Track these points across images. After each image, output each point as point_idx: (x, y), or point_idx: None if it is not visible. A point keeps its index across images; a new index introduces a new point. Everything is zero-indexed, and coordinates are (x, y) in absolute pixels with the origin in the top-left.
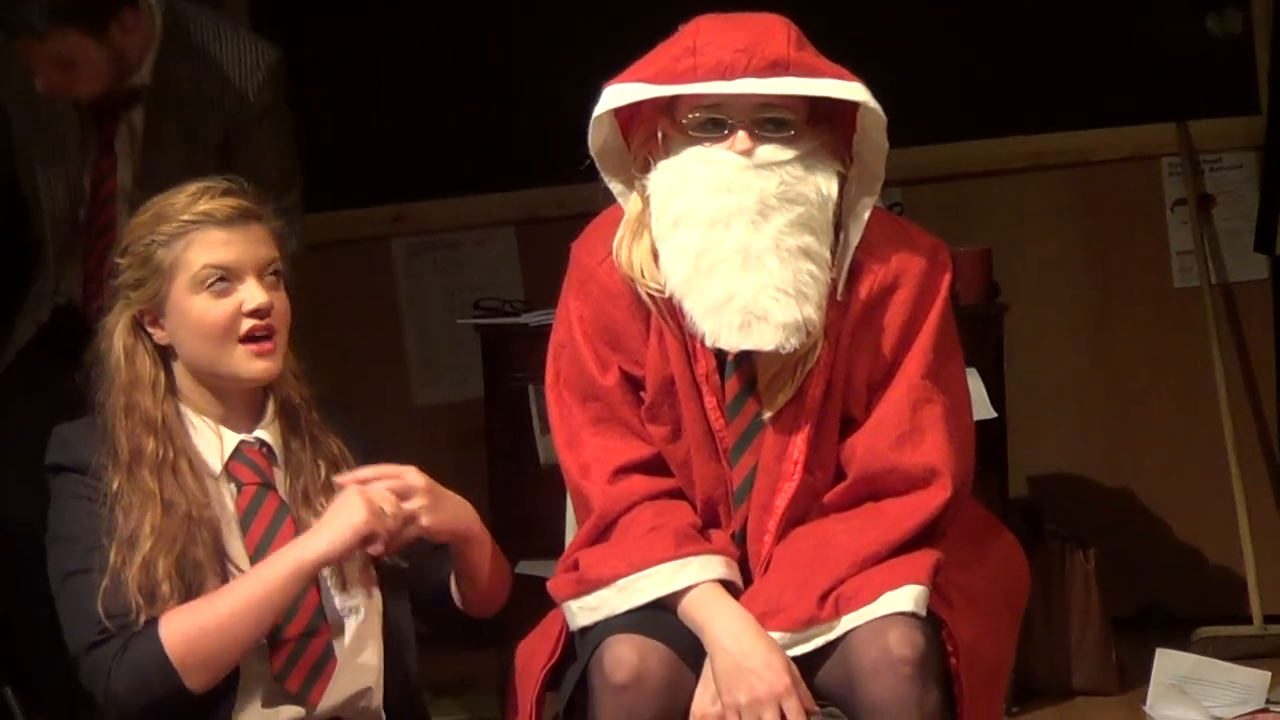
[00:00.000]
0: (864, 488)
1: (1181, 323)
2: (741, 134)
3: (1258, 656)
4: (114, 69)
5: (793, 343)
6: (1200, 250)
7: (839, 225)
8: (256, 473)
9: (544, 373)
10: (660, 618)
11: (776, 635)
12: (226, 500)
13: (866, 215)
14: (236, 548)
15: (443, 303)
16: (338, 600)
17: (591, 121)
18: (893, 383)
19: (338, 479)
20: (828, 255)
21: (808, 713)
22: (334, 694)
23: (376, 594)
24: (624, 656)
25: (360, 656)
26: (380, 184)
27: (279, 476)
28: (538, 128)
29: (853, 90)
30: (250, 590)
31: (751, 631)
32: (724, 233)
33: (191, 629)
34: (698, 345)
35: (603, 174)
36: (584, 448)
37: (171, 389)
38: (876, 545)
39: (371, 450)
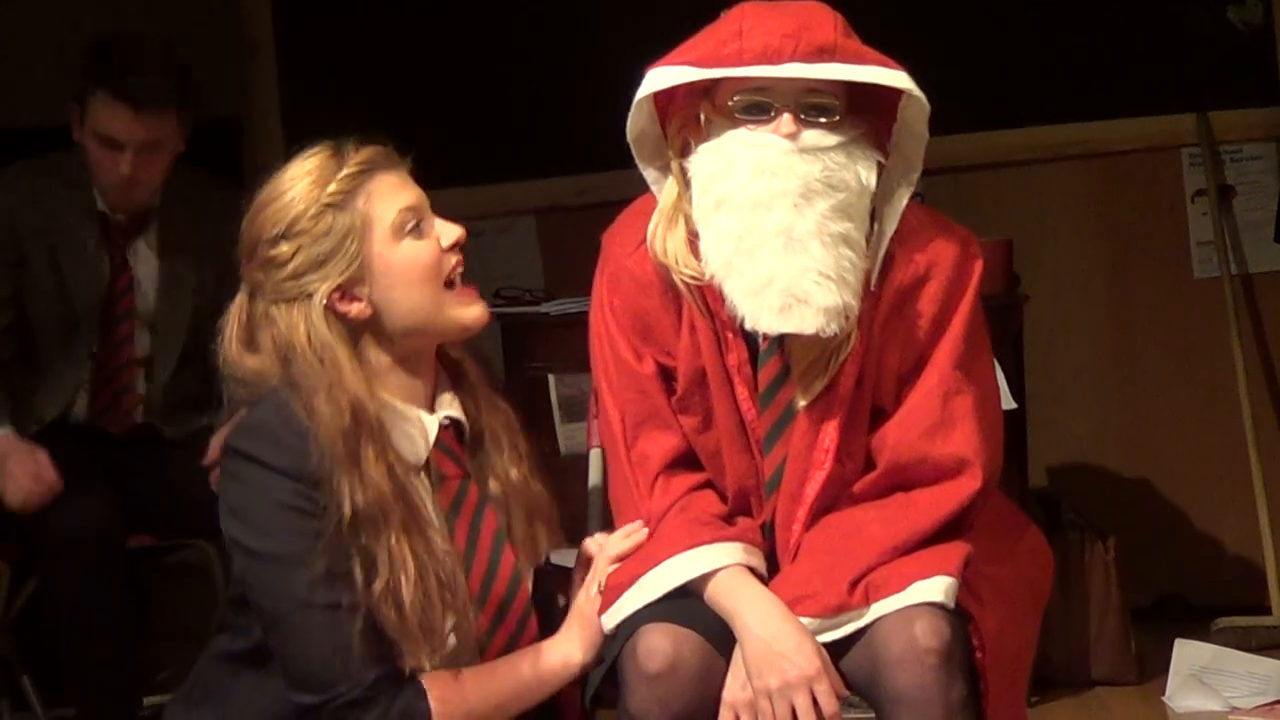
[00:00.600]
0: (894, 478)
1: (1201, 313)
2: (787, 117)
3: (1277, 647)
4: (168, 168)
5: (833, 327)
6: (1220, 241)
7: (874, 215)
8: (455, 462)
9: (563, 361)
10: (692, 606)
11: (807, 621)
12: (422, 493)
13: (902, 205)
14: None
15: None
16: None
17: (633, 105)
18: (923, 373)
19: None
20: (864, 244)
21: (839, 697)
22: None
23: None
24: (657, 646)
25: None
26: None
27: (470, 454)
28: (559, 117)
29: (898, 78)
30: (519, 682)
31: (780, 615)
32: (766, 215)
33: (460, 707)
34: (729, 335)
35: (638, 160)
36: (635, 441)
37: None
38: (906, 534)
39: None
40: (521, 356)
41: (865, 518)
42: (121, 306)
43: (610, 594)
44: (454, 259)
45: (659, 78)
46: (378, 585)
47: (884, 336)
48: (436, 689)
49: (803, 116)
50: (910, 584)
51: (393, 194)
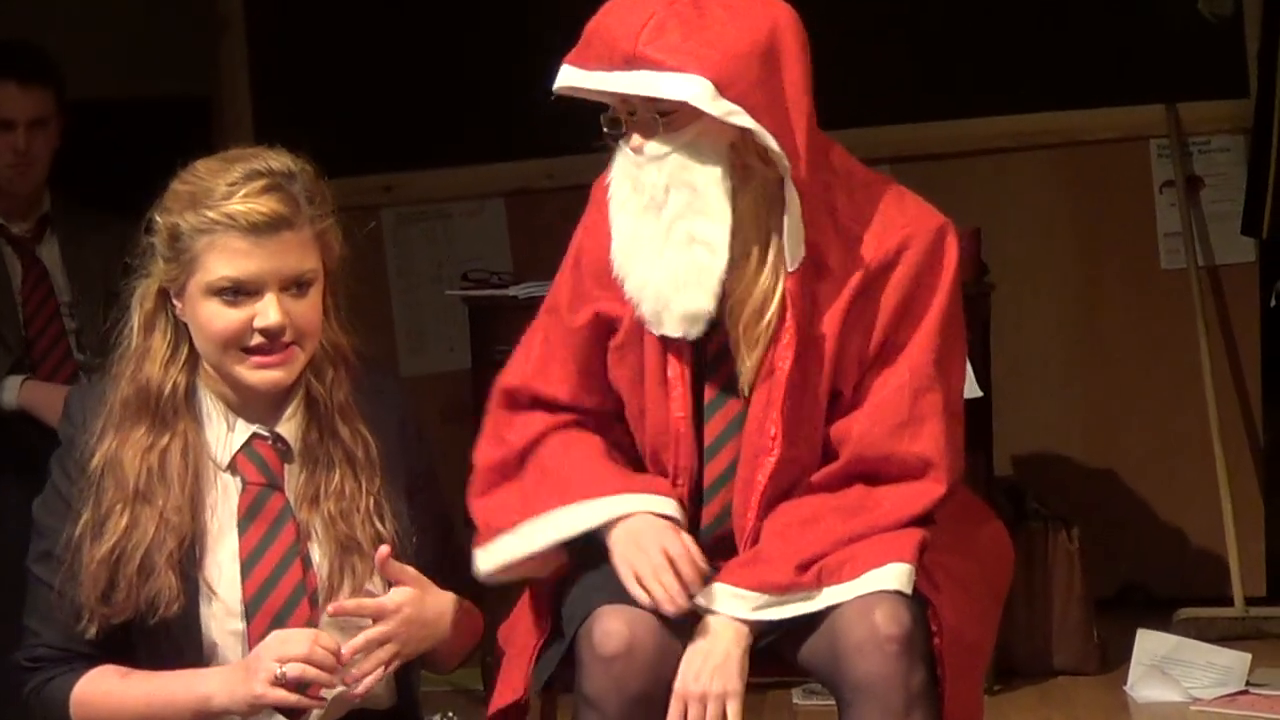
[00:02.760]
0: (856, 469)
1: (1168, 305)
2: (634, 134)
3: (1239, 638)
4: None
5: (695, 330)
6: (1188, 232)
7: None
8: (263, 471)
9: None
10: None
11: (750, 594)
12: (231, 494)
13: (792, 189)
14: (229, 547)
15: (431, 273)
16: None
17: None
18: (894, 365)
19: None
20: (724, 237)
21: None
22: (324, 713)
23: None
24: (613, 628)
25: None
26: (370, 154)
27: (291, 473)
28: (529, 99)
29: (681, 91)
30: (156, 699)
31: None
32: (637, 224)
33: (101, 700)
34: None
35: None
36: (532, 376)
37: (194, 365)
38: (864, 529)
39: (405, 432)
40: (488, 339)
41: (824, 508)
42: (40, 293)
43: (486, 535)
44: (258, 339)
45: (561, 76)
46: (100, 547)
47: (849, 319)
48: (89, 678)
49: (649, 121)
50: (865, 571)
51: (229, 259)
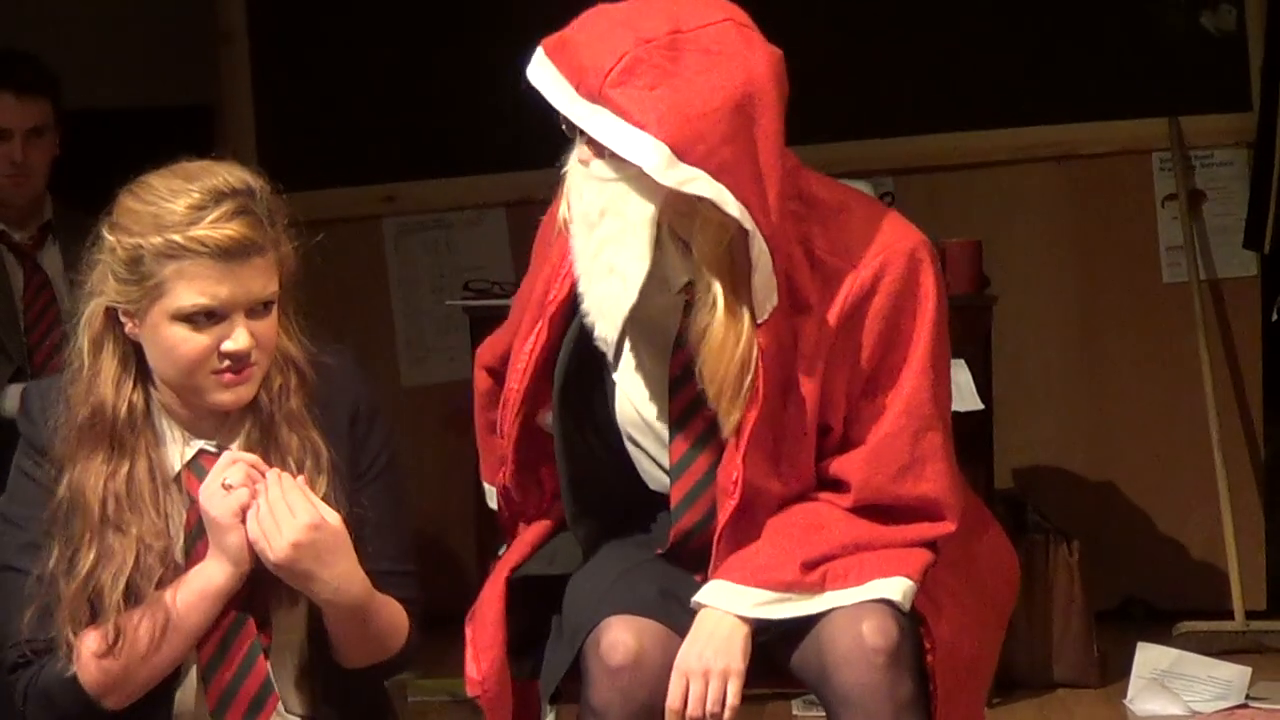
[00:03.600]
0: (862, 510)
1: (1169, 318)
2: (582, 146)
3: (1239, 652)
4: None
5: (606, 346)
6: (1189, 246)
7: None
8: None
9: None
10: (656, 597)
11: (751, 590)
12: (179, 511)
13: (761, 243)
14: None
15: (432, 283)
16: (282, 617)
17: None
18: (889, 403)
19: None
20: (639, 275)
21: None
22: None
23: (311, 619)
24: (619, 639)
25: (303, 684)
26: (372, 164)
27: None
28: (529, 109)
29: (635, 150)
30: (167, 615)
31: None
32: (582, 230)
33: (108, 662)
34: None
35: None
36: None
37: (145, 381)
38: (870, 538)
39: (357, 423)
40: None
41: (831, 515)
42: (41, 300)
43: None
44: (224, 363)
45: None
46: (76, 575)
47: (833, 356)
48: (83, 644)
49: (594, 148)
50: (870, 579)
51: (200, 286)
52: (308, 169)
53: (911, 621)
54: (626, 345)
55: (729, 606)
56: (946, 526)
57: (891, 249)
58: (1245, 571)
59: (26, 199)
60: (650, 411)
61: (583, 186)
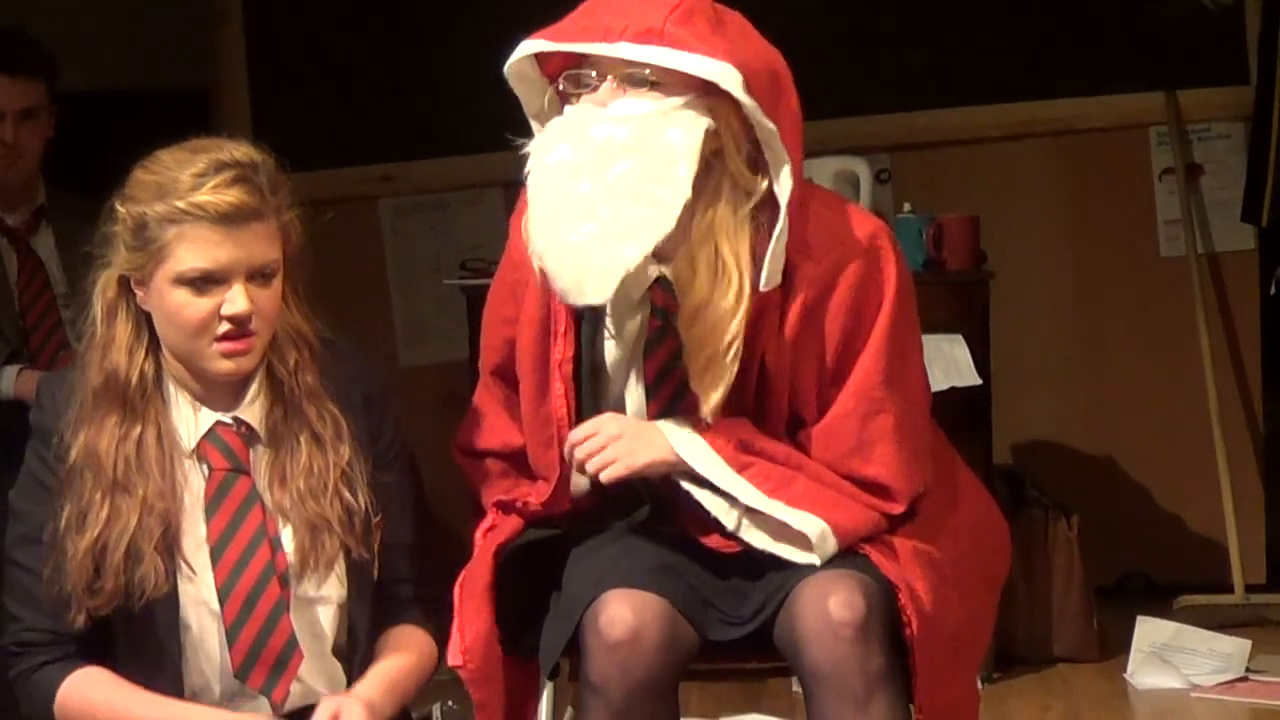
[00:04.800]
0: None
1: (1167, 292)
2: (605, 87)
3: (1238, 625)
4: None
5: (606, 291)
6: (1187, 220)
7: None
8: (227, 456)
9: None
10: (655, 571)
11: (695, 437)
12: (196, 481)
13: (784, 200)
14: (196, 534)
15: (429, 263)
16: (307, 588)
17: (508, 78)
18: (843, 390)
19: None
20: (677, 204)
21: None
22: (300, 691)
23: (343, 586)
24: (618, 613)
25: (326, 647)
26: (368, 144)
27: (257, 455)
28: None
29: (712, 71)
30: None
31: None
32: (567, 185)
33: (83, 707)
34: (560, 330)
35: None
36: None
37: (157, 351)
38: (824, 477)
39: (371, 405)
40: None
41: (794, 451)
42: (36, 283)
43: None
44: (225, 326)
45: (516, 50)
46: (84, 539)
47: (796, 352)
48: (70, 685)
49: (627, 87)
50: (787, 502)
51: (200, 249)
52: (304, 150)
53: (884, 593)
54: (608, 324)
55: (671, 435)
56: (893, 508)
57: (848, 241)
58: (1244, 545)
59: (18, 180)
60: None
61: (584, 132)
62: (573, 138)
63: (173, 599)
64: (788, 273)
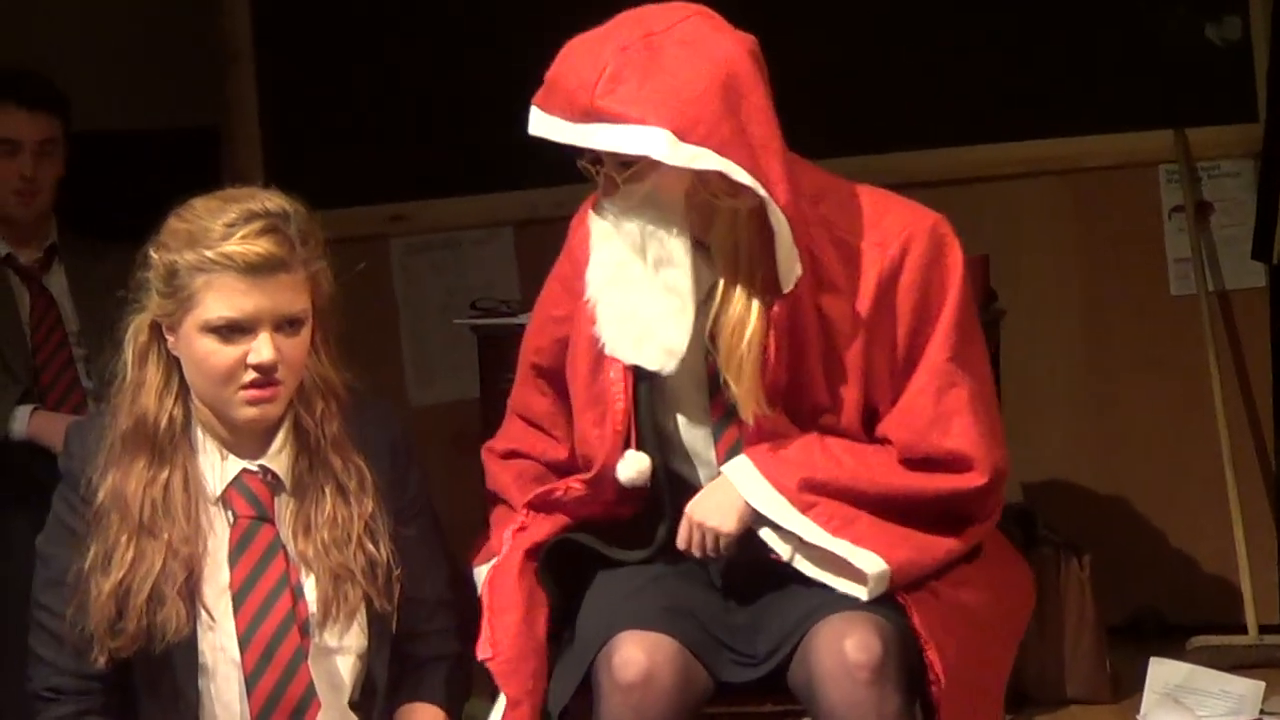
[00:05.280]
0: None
1: (1178, 330)
2: (603, 180)
3: (1252, 666)
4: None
5: (670, 365)
6: (1197, 258)
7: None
8: (253, 505)
9: None
10: (668, 612)
11: (758, 477)
12: (221, 528)
13: (779, 214)
14: (219, 580)
15: (440, 302)
16: (328, 639)
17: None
18: (916, 370)
19: None
20: (689, 286)
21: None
22: None
23: (364, 637)
24: (632, 655)
25: (344, 698)
26: (379, 183)
27: (282, 504)
28: None
29: (638, 144)
30: None
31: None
32: (624, 257)
33: None
34: None
35: None
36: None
37: (186, 397)
38: (900, 483)
39: (396, 458)
40: (497, 368)
41: (865, 451)
42: (48, 322)
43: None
44: (251, 375)
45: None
46: (109, 580)
47: (870, 333)
48: None
49: (612, 173)
50: (847, 539)
51: (226, 298)
52: (315, 189)
53: (900, 635)
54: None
55: (736, 480)
56: (975, 479)
57: (915, 225)
58: (1258, 585)
59: (33, 216)
60: (683, 410)
61: (617, 224)
62: (611, 216)
63: (192, 644)
64: (852, 256)
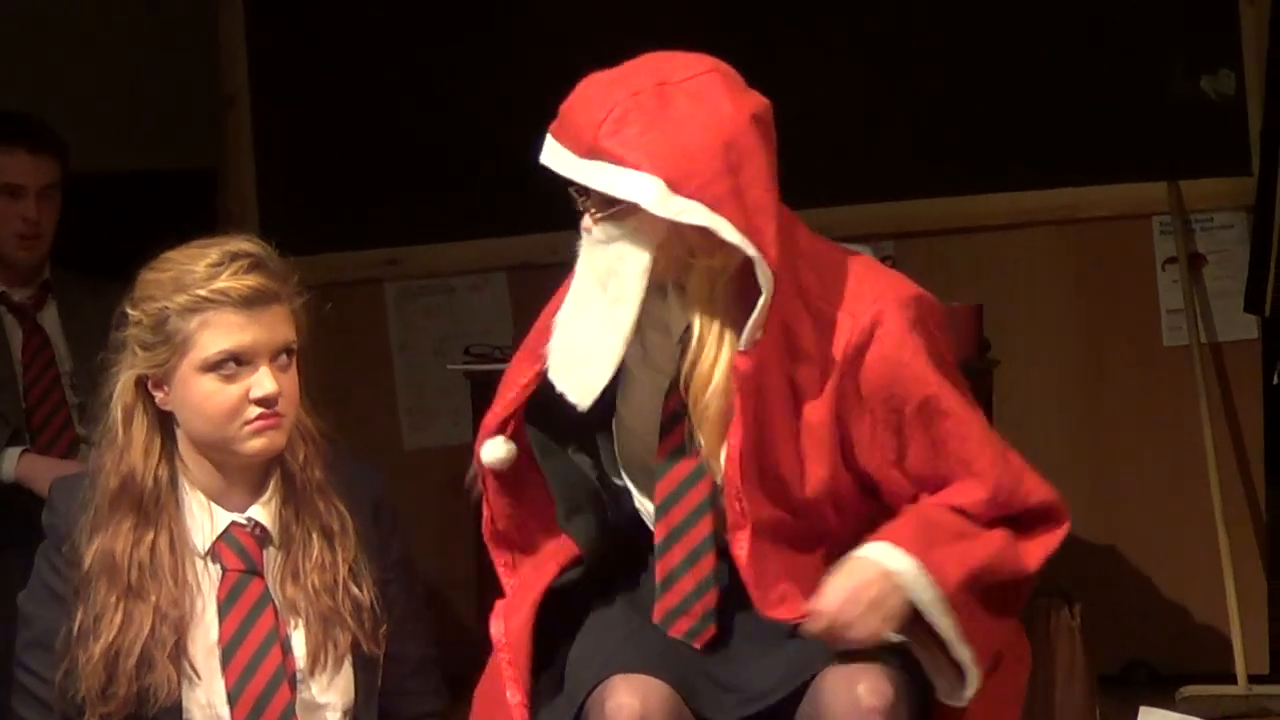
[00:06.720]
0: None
1: (1170, 381)
2: (587, 214)
3: (1242, 716)
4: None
5: (585, 401)
6: (1190, 309)
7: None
8: (242, 558)
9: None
10: (660, 655)
11: (920, 568)
12: (209, 584)
13: (767, 273)
14: (208, 637)
15: (433, 348)
16: (316, 692)
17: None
18: (965, 450)
19: None
20: (628, 324)
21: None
22: None
23: (351, 692)
24: (626, 700)
25: None
26: (373, 228)
27: (269, 556)
28: (531, 174)
29: (628, 190)
30: None
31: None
32: (588, 293)
33: None
34: None
35: None
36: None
37: (171, 455)
38: (1015, 568)
39: (380, 520)
40: None
41: (973, 529)
42: (40, 361)
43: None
44: (256, 410)
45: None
46: (98, 644)
47: (839, 403)
48: None
49: (596, 211)
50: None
51: (225, 333)
52: (310, 232)
53: (909, 682)
54: (630, 384)
55: (905, 577)
56: (1065, 526)
57: (888, 296)
58: (1247, 635)
59: (36, 260)
60: (645, 450)
61: (590, 254)
62: (584, 259)
63: (179, 704)
64: (825, 326)
